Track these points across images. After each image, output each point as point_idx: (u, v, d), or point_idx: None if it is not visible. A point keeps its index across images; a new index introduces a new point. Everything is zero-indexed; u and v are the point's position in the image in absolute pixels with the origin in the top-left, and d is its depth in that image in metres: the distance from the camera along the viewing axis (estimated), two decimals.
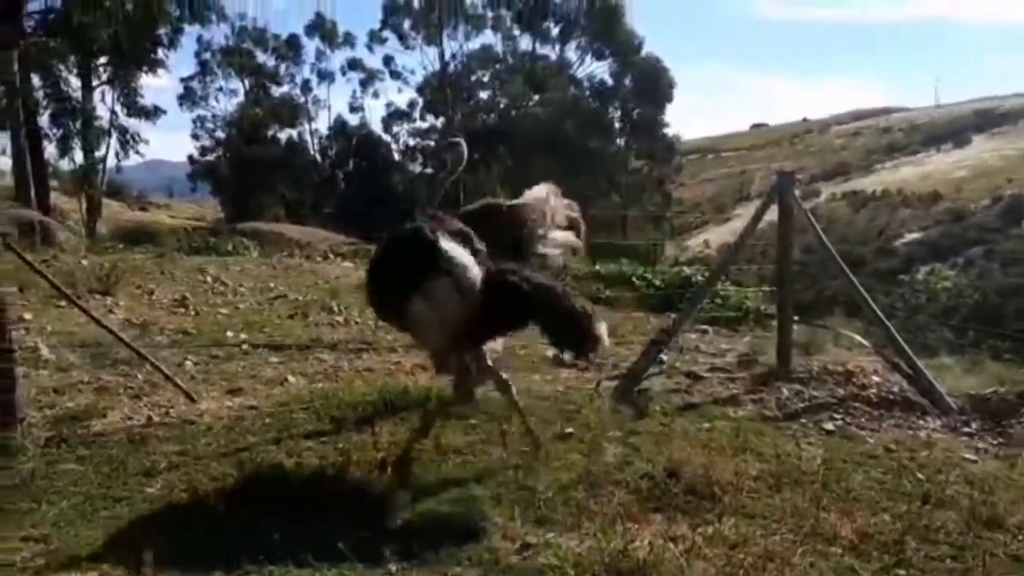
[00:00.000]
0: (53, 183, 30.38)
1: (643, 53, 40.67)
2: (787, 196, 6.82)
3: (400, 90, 44.70)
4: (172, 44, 30.02)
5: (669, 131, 41.64)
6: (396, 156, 44.51)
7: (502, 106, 42.72)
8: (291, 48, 43.63)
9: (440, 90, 42.41)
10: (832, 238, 7.05)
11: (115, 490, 4.21)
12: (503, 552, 3.55)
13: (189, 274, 12.23)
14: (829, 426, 5.74)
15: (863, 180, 53.89)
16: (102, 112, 32.51)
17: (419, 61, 43.42)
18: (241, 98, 43.35)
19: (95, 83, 31.38)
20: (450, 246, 4.22)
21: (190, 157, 43.72)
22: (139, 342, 6.82)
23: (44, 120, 29.59)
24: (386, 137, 44.47)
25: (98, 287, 10.32)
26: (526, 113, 40.83)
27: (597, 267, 13.78)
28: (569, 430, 5.24)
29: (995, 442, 5.58)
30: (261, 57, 43.42)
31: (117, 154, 33.63)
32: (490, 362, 4.72)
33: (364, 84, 44.14)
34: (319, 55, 43.71)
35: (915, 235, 41.96)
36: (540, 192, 5.09)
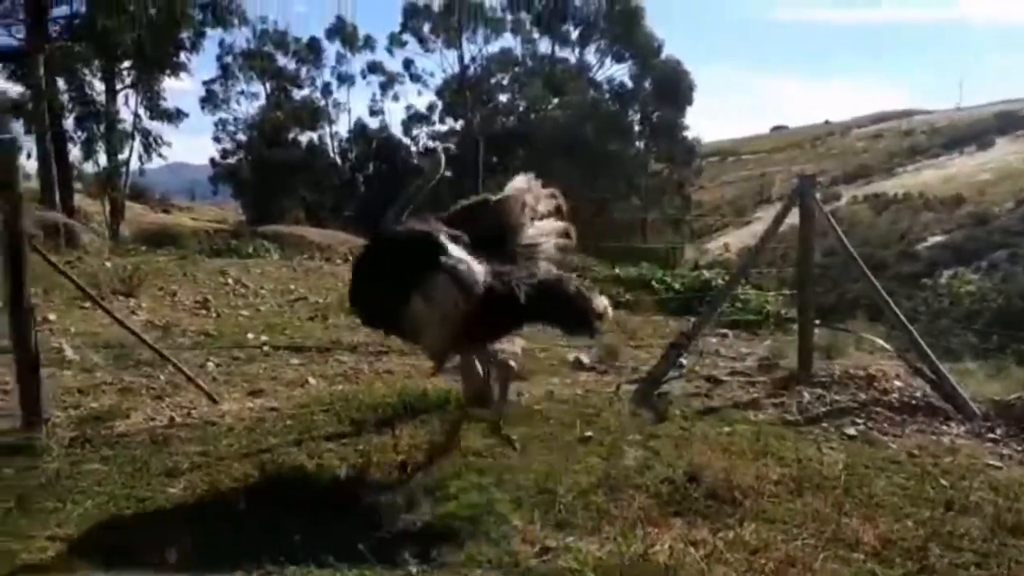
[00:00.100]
0: (77, 186, 30.69)
1: (663, 56, 40.61)
2: (808, 199, 6.79)
3: (420, 93, 44.76)
4: (194, 48, 30.26)
5: (689, 134, 41.51)
6: (415, 159, 44.60)
7: (521, 109, 42.70)
8: (312, 51, 43.80)
9: (459, 93, 42.45)
10: (853, 241, 7.01)
11: (138, 490, 4.24)
12: (523, 555, 3.55)
13: (211, 276, 12.34)
14: (851, 431, 5.69)
15: (884, 183, 53.54)
16: (125, 115, 32.78)
17: (439, 64, 43.45)
18: (262, 101, 43.59)
19: (119, 87, 31.62)
20: (450, 244, 4.27)
21: (212, 160, 44.05)
22: (161, 343, 6.88)
23: (69, 123, 29.94)
24: (406, 140, 44.56)
25: (121, 289, 10.44)
26: (545, 116, 40.79)
27: (617, 270, 13.76)
28: (589, 433, 5.22)
29: (1020, 448, 5.52)
30: (282, 60, 43.63)
31: (140, 157, 33.92)
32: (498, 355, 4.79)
33: (384, 87, 44.24)
34: (339, 58, 43.86)
35: (938, 238, 41.65)
36: (521, 183, 5.00)
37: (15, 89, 27.32)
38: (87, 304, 9.03)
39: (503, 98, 44.01)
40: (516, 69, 42.98)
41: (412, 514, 3.93)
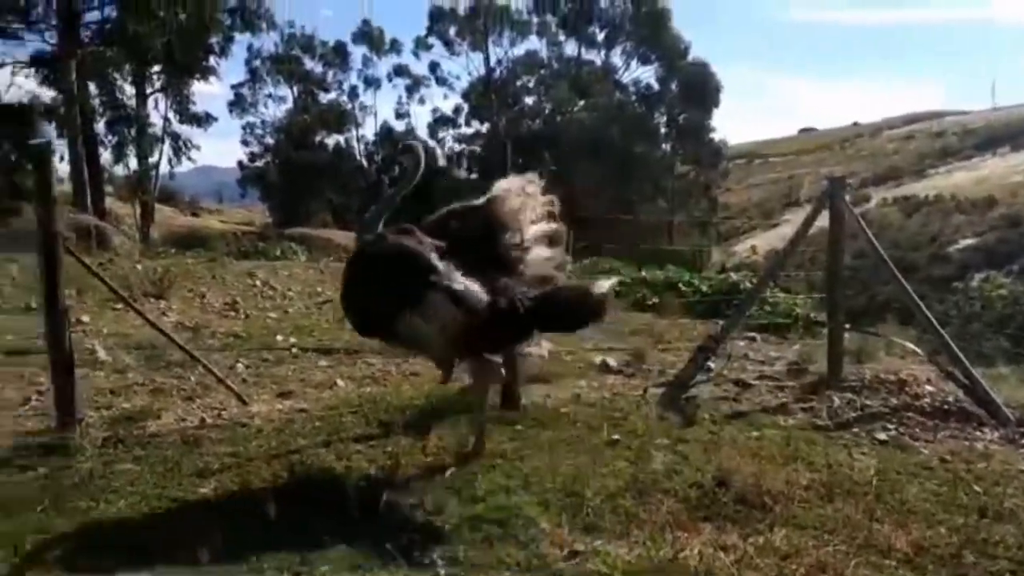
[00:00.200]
0: (108, 189, 31.14)
1: (689, 58, 40.48)
2: (838, 201, 6.73)
3: (446, 96, 44.99)
4: (223, 52, 30.69)
5: (715, 136, 41.38)
6: (441, 161, 44.70)
7: (547, 111, 42.74)
8: (338, 55, 44.15)
9: (485, 96, 42.59)
10: (883, 244, 6.94)
11: (170, 490, 4.28)
12: (551, 558, 3.54)
13: (239, 278, 12.44)
14: (882, 436, 5.63)
15: (915, 185, 52.90)
16: (155, 119, 33.36)
17: (464, 67, 43.64)
18: (289, 104, 44.04)
19: (149, 91, 32.15)
20: (440, 262, 4.23)
21: (240, 163, 44.55)
22: (191, 345, 6.94)
23: (100, 127, 30.46)
24: (431, 143, 44.70)
25: (152, 291, 10.56)
26: (571, 118, 40.79)
27: (643, 273, 13.72)
28: (616, 437, 5.20)
29: None
30: (309, 64, 44.05)
31: (170, 160, 34.53)
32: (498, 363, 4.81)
33: (410, 90, 44.50)
34: (366, 62, 44.20)
35: (969, 241, 41.06)
36: (511, 184, 4.87)
37: (48, 93, 27.76)
38: (119, 306, 9.14)
39: (529, 101, 44.12)
40: (542, 71, 43.05)
41: (440, 516, 3.94)
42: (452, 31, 42.25)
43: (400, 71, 44.22)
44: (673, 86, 40.53)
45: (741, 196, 57.35)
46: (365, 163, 44.62)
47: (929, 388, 6.53)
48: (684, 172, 41.75)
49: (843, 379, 6.68)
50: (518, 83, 43.69)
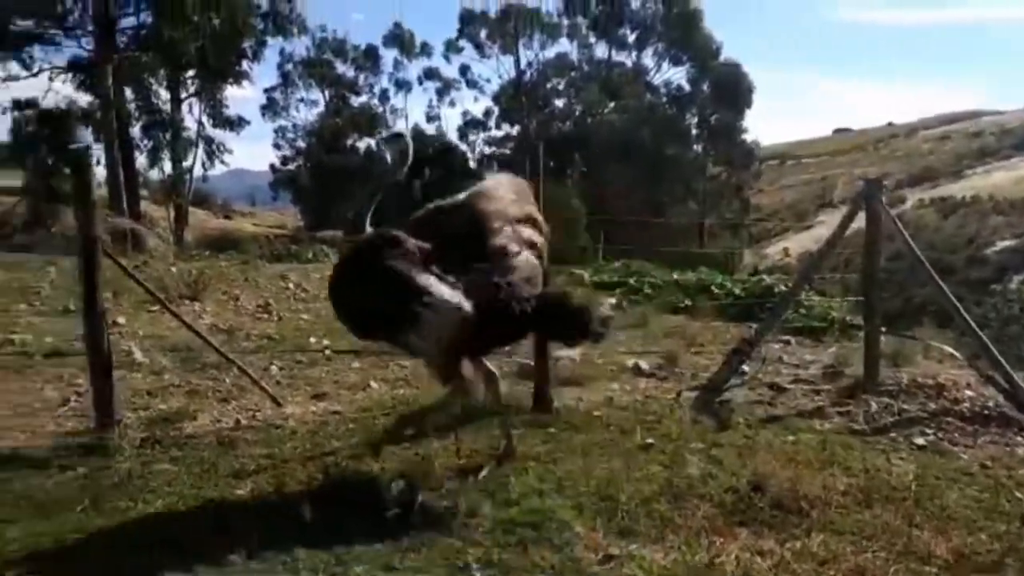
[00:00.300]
0: (143, 192, 31.57)
1: (721, 58, 40.25)
2: (875, 202, 6.65)
3: (476, 99, 45.24)
4: (256, 57, 31.01)
5: (748, 137, 41.11)
6: (472, 164, 44.84)
7: (577, 113, 42.71)
8: (369, 59, 44.49)
9: (516, 98, 42.66)
10: (919, 246, 6.85)
11: (207, 491, 4.32)
12: (585, 562, 3.53)
13: (272, 281, 12.55)
14: (920, 441, 5.54)
15: (952, 186, 52.16)
16: (189, 123, 33.80)
17: (495, 70, 43.78)
18: (321, 108, 44.42)
19: (183, 95, 32.59)
20: (424, 278, 4.07)
21: (272, 166, 45.00)
22: (226, 347, 7.01)
23: (135, 131, 30.90)
24: (462, 146, 44.82)
25: (186, 293, 10.66)
26: (602, 120, 40.72)
27: (675, 275, 13.62)
28: (650, 440, 5.17)
29: None
30: (340, 68, 44.44)
31: (203, 164, 35.08)
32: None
33: (440, 93, 44.76)
34: (397, 65, 44.52)
35: (1008, 243, 40.40)
36: (495, 182, 4.80)
37: (84, 98, 28.22)
38: (154, 308, 9.24)
39: (559, 103, 44.17)
40: (572, 74, 43.07)
41: (474, 518, 3.93)
42: (483, 34, 42.42)
43: (431, 74, 44.53)
44: (705, 87, 40.35)
45: (773, 198, 56.87)
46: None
47: (968, 392, 6.44)
48: (716, 173, 41.54)
49: (880, 383, 6.60)
50: (548, 85, 43.74)
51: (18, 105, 28.34)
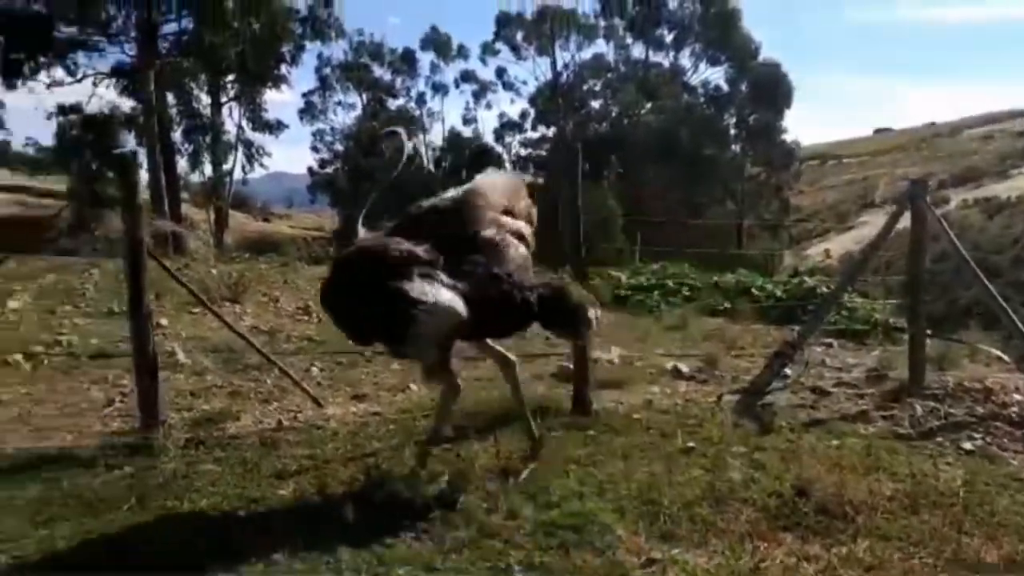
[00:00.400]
0: (184, 195, 32.02)
1: (760, 58, 39.88)
2: (920, 203, 6.55)
3: (512, 101, 45.32)
4: (294, 61, 31.25)
5: (787, 137, 40.64)
6: (508, 166, 44.91)
7: (614, 114, 42.56)
8: (406, 62, 44.70)
9: (552, 100, 42.62)
10: (964, 247, 6.71)
11: (250, 491, 4.36)
12: (628, 566, 3.50)
13: (311, 283, 12.62)
14: (968, 446, 5.44)
15: (996, 186, 51.05)
16: (229, 127, 34.21)
17: (531, 72, 43.80)
18: (359, 111, 44.73)
19: (223, 99, 33.00)
20: (412, 286, 3.99)
21: (310, 169, 45.40)
22: (267, 348, 7.07)
23: (177, 135, 31.38)
24: (498, 148, 44.96)
25: (227, 295, 10.79)
26: (638, 121, 40.54)
27: (715, 278, 13.52)
28: (691, 444, 5.13)
29: None
30: (378, 71, 44.68)
31: (243, 167, 35.47)
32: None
33: (477, 96, 44.87)
34: (433, 68, 44.68)
35: None
36: (489, 180, 4.70)
37: (127, 103, 28.70)
38: (196, 309, 9.38)
39: (596, 104, 44.03)
40: (609, 75, 42.94)
41: (515, 520, 3.92)
42: (519, 36, 42.44)
43: (467, 77, 44.65)
44: (743, 87, 39.97)
45: (814, 198, 56.10)
46: (432, 168, 45.01)
47: (1017, 397, 6.30)
48: (755, 174, 41.10)
49: (925, 387, 6.49)
50: (584, 87, 43.63)
51: (63, 110, 28.89)
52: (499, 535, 3.76)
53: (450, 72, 44.68)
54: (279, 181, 55.90)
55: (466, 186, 4.58)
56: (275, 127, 35.09)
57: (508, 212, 4.57)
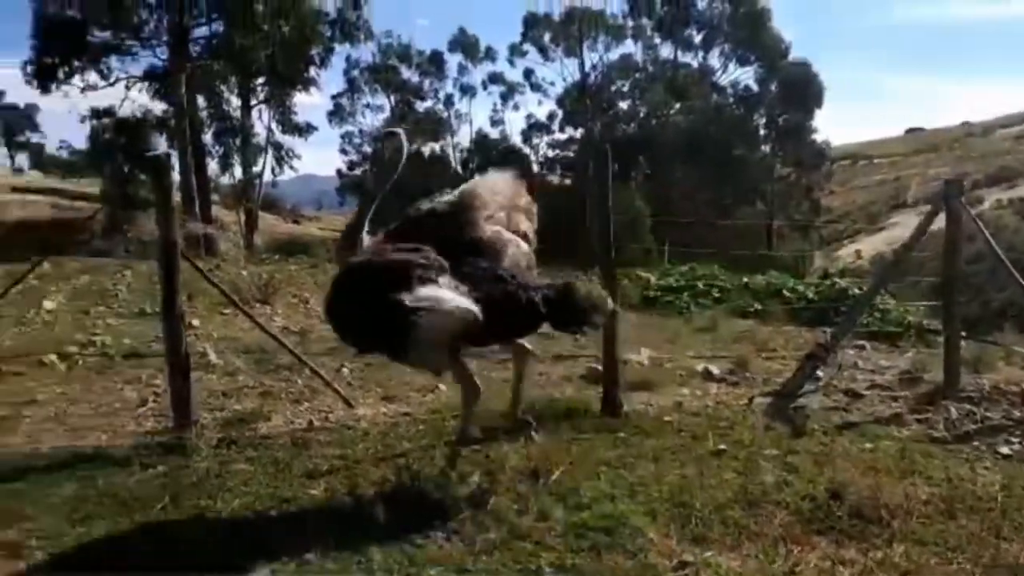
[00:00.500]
0: (214, 197, 32.37)
1: (790, 57, 39.55)
2: (955, 203, 6.46)
3: (540, 102, 45.22)
4: (323, 63, 31.46)
5: (818, 137, 40.25)
6: (535, 168, 44.82)
7: (642, 115, 42.39)
8: (434, 64, 44.84)
9: (580, 101, 42.51)
10: (999, 247, 6.62)
11: (282, 490, 4.38)
12: (660, 568, 3.48)
13: None
14: (1005, 450, 5.34)
15: None
16: (259, 130, 34.54)
17: (559, 73, 43.67)
18: (387, 114, 44.91)
19: (253, 102, 33.31)
20: (408, 294, 3.88)
21: (338, 171, 45.67)
22: (298, 349, 7.12)
23: (207, 138, 31.73)
24: (526, 149, 44.87)
25: (258, 296, 10.89)
26: (667, 121, 40.35)
27: (745, 279, 13.42)
28: (722, 447, 5.08)
29: None
30: (406, 73, 44.87)
31: (273, 169, 35.81)
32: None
33: (504, 97, 44.87)
34: (461, 70, 44.77)
35: None
36: (487, 180, 4.65)
37: (159, 106, 29.06)
38: (227, 310, 9.47)
39: (623, 105, 43.84)
40: (637, 75, 42.74)
41: (546, 522, 3.91)
42: (547, 37, 42.35)
43: (495, 78, 44.68)
44: (773, 87, 39.64)
45: (845, 199, 55.51)
46: (460, 170, 45.12)
47: None
48: (785, 174, 40.75)
49: (960, 389, 6.41)
50: (613, 88, 43.46)
51: (96, 114, 29.39)
52: (530, 536, 3.74)
53: (478, 74, 44.82)
54: (308, 183, 56.31)
55: (463, 186, 4.55)
56: (304, 129, 35.48)
57: (508, 210, 4.53)
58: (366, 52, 42.12)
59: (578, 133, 43.45)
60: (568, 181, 43.03)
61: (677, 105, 40.65)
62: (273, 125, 35.06)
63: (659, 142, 38.50)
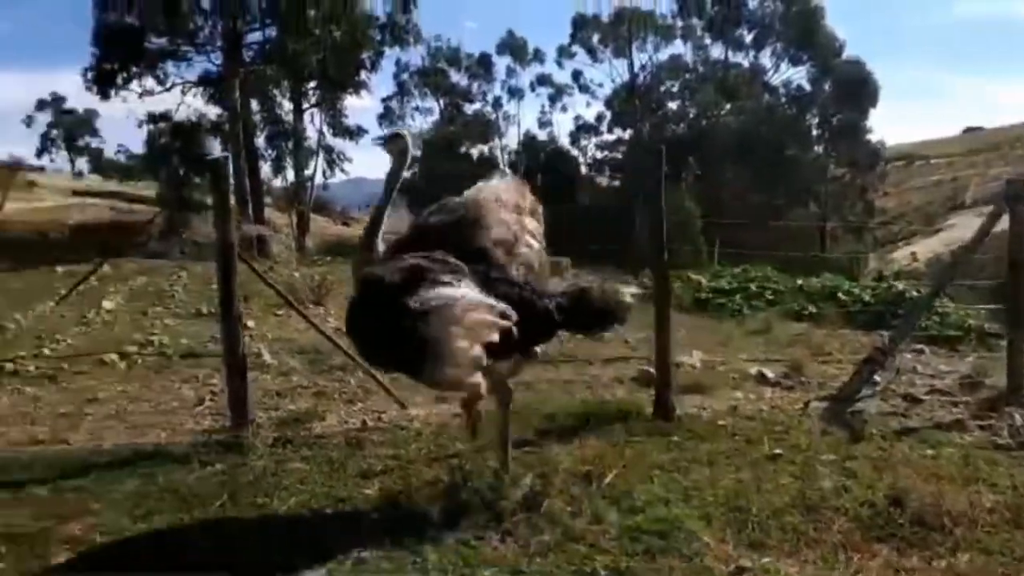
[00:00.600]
0: (267, 200, 32.85)
1: (844, 56, 38.87)
2: (1019, 203, 6.28)
3: (588, 104, 45.18)
4: (374, 67, 31.67)
5: (872, 137, 39.45)
6: (584, 169, 44.76)
7: (692, 116, 42.04)
8: (482, 66, 45.03)
9: (628, 102, 42.29)
10: None
11: (337, 490, 4.43)
12: (716, 573, 3.45)
13: None
14: None
15: None
16: (311, 133, 34.97)
17: (607, 74, 43.54)
18: (436, 116, 45.22)
19: (305, 106, 33.73)
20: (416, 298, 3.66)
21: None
22: (352, 350, 7.17)
23: (260, 141, 32.23)
24: (574, 151, 44.85)
25: (311, 297, 11.02)
26: (718, 122, 39.96)
27: (799, 282, 13.22)
28: (778, 451, 5.01)
29: None
30: (455, 76, 45.15)
31: (324, 172, 36.22)
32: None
33: (553, 99, 44.92)
34: (509, 72, 44.92)
35: None
36: (492, 186, 4.57)
37: (213, 111, 29.61)
38: (281, 311, 9.60)
39: (673, 105, 43.52)
40: (687, 76, 42.41)
41: (600, 525, 3.89)
42: (595, 38, 42.26)
43: (543, 80, 44.73)
44: (827, 86, 38.98)
45: (900, 200, 54.40)
46: (509, 172, 45.19)
47: None
48: (839, 175, 40.02)
49: None
50: (662, 88, 43.18)
51: (153, 118, 30.04)
52: (584, 539, 3.74)
53: (526, 76, 44.92)
54: (358, 186, 56.72)
55: (467, 193, 4.51)
56: (355, 133, 35.83)
57: (514, 213, 4.49)
58: (415, 55, 42.44)
59: (627, 134, 43.27)
60: (617, 183, 42.88)
61: (728, 105, 40.25)
62: (324, 128, 35.54)
63: (709, 143, 38.13)
